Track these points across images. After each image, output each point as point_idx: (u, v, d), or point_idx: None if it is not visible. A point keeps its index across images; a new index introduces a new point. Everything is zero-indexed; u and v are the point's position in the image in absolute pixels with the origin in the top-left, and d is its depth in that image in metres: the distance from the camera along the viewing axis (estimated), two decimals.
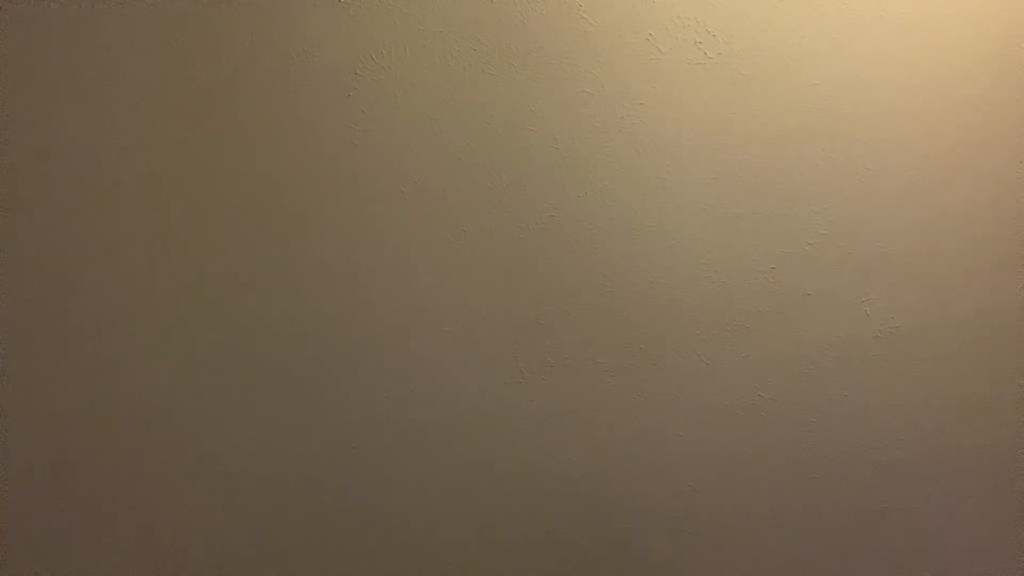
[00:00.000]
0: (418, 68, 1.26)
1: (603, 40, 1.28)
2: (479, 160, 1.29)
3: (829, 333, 1.38)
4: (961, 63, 1.35)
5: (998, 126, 1.37)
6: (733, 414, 1.38)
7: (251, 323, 1.27)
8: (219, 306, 1.27)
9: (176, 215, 1.25)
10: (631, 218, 1.33)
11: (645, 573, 1.39)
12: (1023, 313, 1.41)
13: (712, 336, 1.36)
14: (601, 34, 1.28)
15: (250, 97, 1.24)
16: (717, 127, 1.33)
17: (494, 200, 1.30)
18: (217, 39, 1.22)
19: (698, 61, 1.31)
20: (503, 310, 1.32)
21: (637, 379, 1.36)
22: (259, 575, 1.31)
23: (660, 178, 1.33)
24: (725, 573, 1.41)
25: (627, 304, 1.34)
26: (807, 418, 1.39)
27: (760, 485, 1.40)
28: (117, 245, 1.24)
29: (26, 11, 1.18)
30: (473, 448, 1.34)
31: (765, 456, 1.39)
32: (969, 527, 1.44)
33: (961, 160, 1.37)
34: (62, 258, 1.23)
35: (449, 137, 1.28)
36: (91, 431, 1.26)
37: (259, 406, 1.29)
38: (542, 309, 1.33)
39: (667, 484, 1.38)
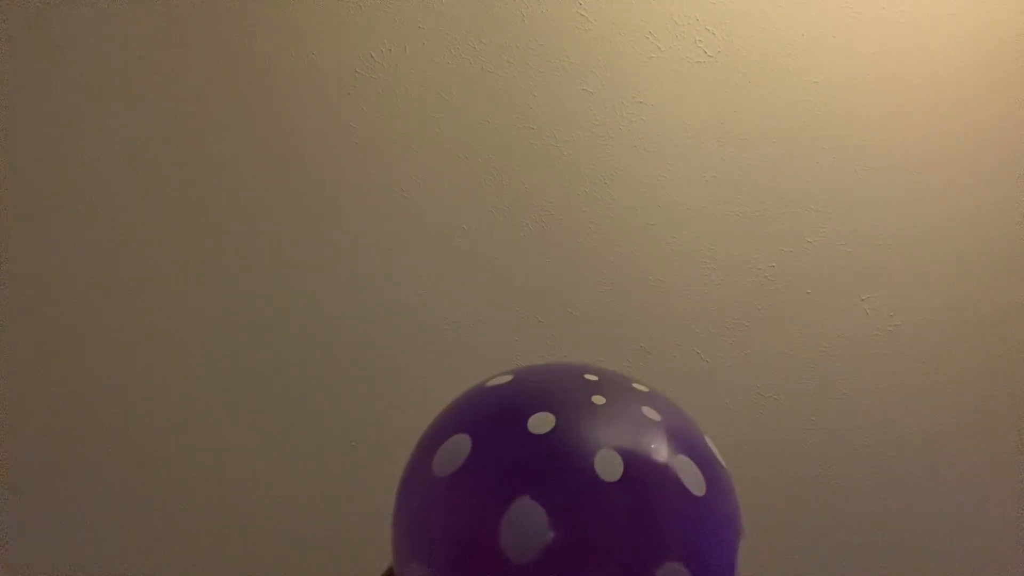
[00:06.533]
0: (417, 67, 1.26)
1: (603, 38, 1.28)
2: (478, 158, 1.29)
3: (829, 331, 1.38)
4: (962, 61, 1.35)
5: (999, 125, 1.37)
6: (733, 412, 1.38)
7: (251, 322, 1.27)
8: (218, 305, 1.27)
9: (174, 214, 1.25)
10: (631, 216, 1.33)
11: None
12: (1023, 312, 1.41)
13: (712, 334, 1.36)
14: (601, 32, 1.28)
15: (250, 96, 1.24)
16: (717, 125, 1.32)
17: (494, 199, 1.30)
18: (217, 38, 1.22)
19: (698, 59, 1.31)
20: (503, 309, 1.32)
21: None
22: (257, 574, 1.32)
23: (660, 176, 1.33)
24: None
25: (626, 303, 1.34)
26: (807, 416, 1.40)
27: (759, 483, 1.40)
28: (113, 244, 1.24)
29: (25, 10, 1.18)
30: None
31: (764, 454, 1.40)
32: (969, 527, 1.44)
33: (962, 159, 1.37)
34: (60, 259, 1.23)
35: (448, 135, 1.28)
36: (87, 432, 1.26)
37: (258, 404, 1.29)
38: (542, 308, 1.33)
39: None
